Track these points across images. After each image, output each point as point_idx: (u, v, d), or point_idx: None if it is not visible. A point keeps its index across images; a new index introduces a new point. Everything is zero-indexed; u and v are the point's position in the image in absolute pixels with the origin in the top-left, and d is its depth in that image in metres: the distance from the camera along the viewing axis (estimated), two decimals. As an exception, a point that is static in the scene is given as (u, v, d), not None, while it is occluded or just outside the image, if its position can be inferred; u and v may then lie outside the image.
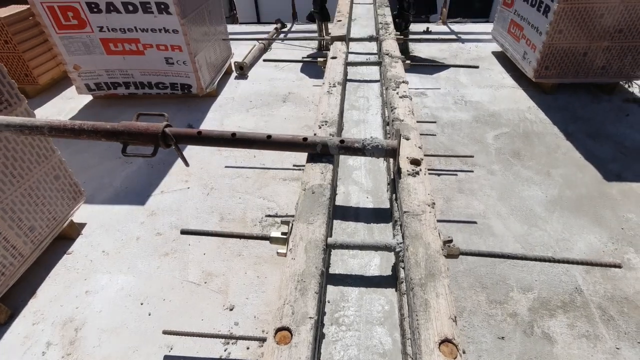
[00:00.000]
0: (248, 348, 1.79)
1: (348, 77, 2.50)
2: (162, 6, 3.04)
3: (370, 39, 2.82)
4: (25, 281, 2.10)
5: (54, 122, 1.50)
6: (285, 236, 1.17)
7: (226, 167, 2.93)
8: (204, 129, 1.51)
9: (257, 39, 4.79)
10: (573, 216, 2.47)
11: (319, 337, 1.02)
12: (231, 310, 1.95)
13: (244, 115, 3.60)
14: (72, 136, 1.50)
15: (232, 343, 1.80)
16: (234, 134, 1.43)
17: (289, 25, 5.95)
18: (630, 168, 2.87)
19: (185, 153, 3.13)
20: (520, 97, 3.85)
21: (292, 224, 1.17)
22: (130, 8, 3.05)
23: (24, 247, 2.01)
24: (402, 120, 1.67)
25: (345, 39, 2.61)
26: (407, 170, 1.37)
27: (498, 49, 4.72)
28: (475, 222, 2.42)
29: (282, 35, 5.53)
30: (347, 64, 2.42)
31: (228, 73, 4.36)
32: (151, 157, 1.48)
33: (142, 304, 2.00)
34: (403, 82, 1.99)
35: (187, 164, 1.56)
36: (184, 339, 1.81)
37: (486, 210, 2.50)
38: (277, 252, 1.15)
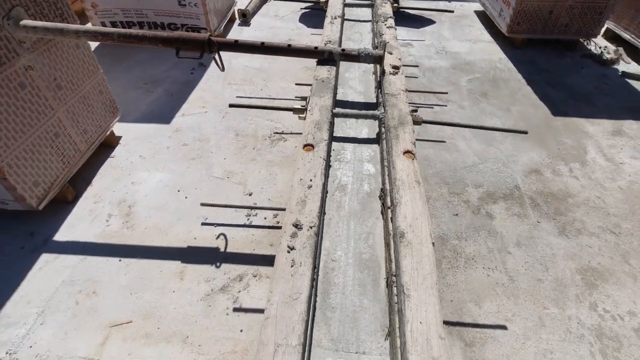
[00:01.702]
0: (265, 218, 2.35)
1: (345, 17, 2.95)
2: (178, -51, 3.37)
3: (364, -14, 3.26)
4: (81, 176, 2.59)
5: (122, 30, 1.94)
6: (303, 107, 1.69)
7: (237, 97, 3.40)
8: (240, 38, 1.96)
9: (258, -10, 5.09)
10: (522, 141, 3.07)
11: (328, 156, 1.56)
12: (250, 195, 2.50)
13: (250, 57, 4.01)
14: (136, 42, 1.95)
15: (253, 215, 2.36)
16: (262, 43, 1.91)
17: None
18: (575, 108, 3.47)
19: (200, 86, 3.57)
20: (494, 50, 4.37)
21: (309, 98, 1.69)
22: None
23: (81, 144, 2.49)
24: (388, 42, 2.17)
25: (343, -16, 3.04)
26: (389, 71, 1.89)
27: (480, 8, 5.17)
28: (444, 142, 2.99)
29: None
30: (345, 4, 2.86)
31: (232, 20, 4.70)
32: (199, 59, 1.96)
33: (178, 191, 2.53)
34: (390, 17, 2.46)
35: (222, 68, 2.04)
36: (215, 211, 2.36)
37: (454, 134, 3.07)
38: (299, 117, 1.68)
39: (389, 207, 1.36)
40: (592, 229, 2.37)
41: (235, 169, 2.68)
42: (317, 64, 1.91)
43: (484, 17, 5.03)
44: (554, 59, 4.28)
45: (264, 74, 3.77)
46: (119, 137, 2.92)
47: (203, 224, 2.31)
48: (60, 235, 2.24)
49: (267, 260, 2.13)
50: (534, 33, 4.24)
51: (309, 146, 1.42)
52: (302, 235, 1.11)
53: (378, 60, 1.89)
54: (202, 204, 2.27)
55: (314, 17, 4.91)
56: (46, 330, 1.82)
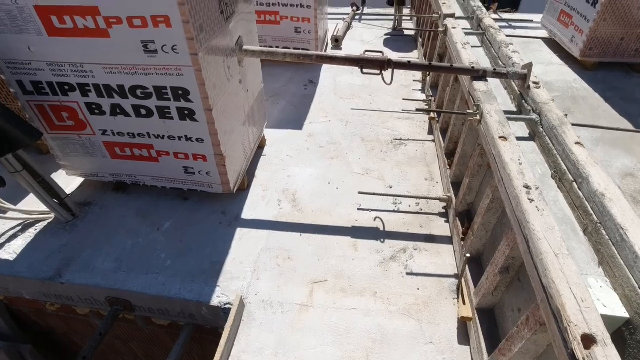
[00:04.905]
0: (409, 206, 2.82)
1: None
2: (304, -14, 4.04)
3: (467, 18, 3.79)
4: (248, 169, 3.14)
5: (318, 53, 2.52)
6: (477, 112, 2.19)
7: (352, 109, 3.95)
8: (412, 59, 2.49)
9: (342, 19, 5.76)
10: (612, 149, 3.47)
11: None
12: (391, 188, 2.98)
13: (350, 76, 4.61)
14: (328, 61, 2.52)
15: (399, 203, 2.84)
16: (430, 63, 2.44)
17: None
18: (654, 123, 3.86)
19: (316, 99, 4.16)
20: (567, 72, 4.82)
21: (481, 105, 2.18)
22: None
23: (252, 142, 3.05)
24: (519, 64, 2.66)
25: (453, 15, 3.59)
26: (534, 86, 2.38)
27: (545, 35, 5.66)
28: (543, 149, 3.41)
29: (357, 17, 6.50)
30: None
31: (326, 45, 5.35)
32: (378, 74, 2.49)
33: (329, 183, 3.04)
34: (510, 43, 2.98)
35: (390, 83, 2.57)
36: (366, 199, 2.85)
37: (550, 143, 3.50)
38: (474, 120, 2.17)
39: (572, 181, 1.80)
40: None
41: (371, 167, 3.18)
42: (472, 80, 2.41)
43: (551, 43, 5.51)
44: (623, 79, 4.69)
45: (367, 89, 4.33)
46: (265, 140, 3.49)
47: (359, 209, 2.80)
48: (246, 215, 2.77)
49: (422, 238, 2.58)
50: (605, 57, 4.68)
51: (503, 138, 1.90)
52: (533, 192, 1.57)
53: (523, 77, 2.38)
54: (360, 192, 2.77)
55: (395, 42, 5.52)
56: (263, 283, 2.31)
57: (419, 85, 4.33)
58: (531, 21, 5.98)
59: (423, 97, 4.07)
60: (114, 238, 2.58)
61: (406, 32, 5.92)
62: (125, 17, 1.89)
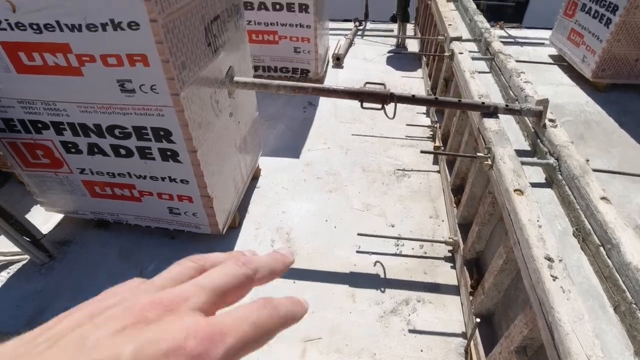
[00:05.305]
0: (413, 249, 2.61)
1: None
2: (303, 7, 3.87)
3: (475, 40, 3.60)
4: (240, 204, 2.94)
5: (315, 85, 2.33)
6: (488, 155, 1.98)
7: (352, 134, 3.76)
8: (416, 93, 2.30)
9: (344, 35, 5.60)
10: (631, 182, 3.24)
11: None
12: (392, 227, 2.77)
13: (351, 97, 4.41)
14: (325, 94, 2.33)
15: (401, 245, 2.62)
16: (436, 98, 2.24)
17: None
18: (674, 151, 3.62)
19: (316, 122, 3.96)
20: (578, 93, 4.60)
21: (493, 148, 1.98)
22: (277, 7, 3.90)
23: (245, 175, 2.86)
24: (533, 97, 2.45)
25: (460, 39, 3.40)
26: (550, 125, 2.17)
27: (554, 52, 5.46)
28: (557, 182, 3.19)
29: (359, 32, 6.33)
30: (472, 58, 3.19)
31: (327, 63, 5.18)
32: (380, 109, 2.30)
33: (326, 220, 2.83)
34: (522, 72, 2.78)
35: (393, 117, 2.37)
36: (366, 241, 2.63)
37: (564, 174, 3.28)
38: (485, 164, 1.96)
39: (599, 245, 1.59)
40: None
41: (372, 202, 2.97)
42: (482, 116, 2.21)
43: (561, 61, 5.30)
44: (637, 101, 4.47)
45: (368, 112, 4.11)
46: (260, 170, 3.29)
47: (358, 251, 2.59)
48: (236, 256, 2.56)
49: (426, 287, 2.36)
50: (618, 78, 4.47)
51: (518, 191, 1.69)
52: (557, 266, 1.36)
53: (538, 114, 2.17)
54: (359, 234, 2.56)
55: (399, 59, 5.33)
56: (251, 340, 2.10)
57: (424, 109, 4.13)
58: (541, 42, 5.78)
59: (428, 121, 3.86)
60: (93, 282, 2.39)
61: (410, 49, 5.74)
62: (99, 55, 1.71)
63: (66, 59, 1.74)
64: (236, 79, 2.34)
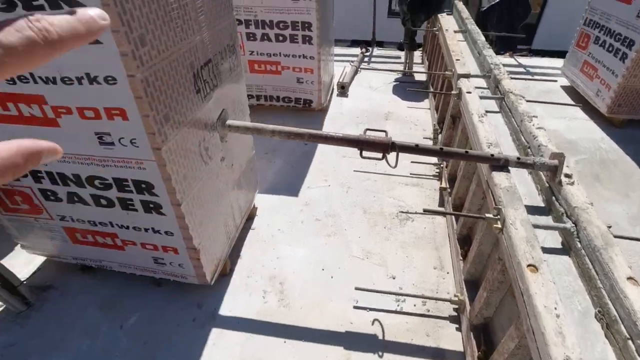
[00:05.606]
0: (415, 305, 2.41)
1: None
2: (307, 38, 3.78)
3: (484, 76, 3.46)
4: (233, 248, 2.79)
5: (311, 131, 2.19)
6: (498, 217, 1.80)
7: (354, 170, 3.60)
8: (420, 143, 2.15)
9: (350, 61, 5.51)
10: (653, 231, 3.01)
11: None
12: (393, 279, 2.58)
13: (355, 128, 4.29)
14: (322, 141, 2.18)
15: (402, 301, 2.43)
16: (441, 148, 2.08)
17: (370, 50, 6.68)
18: (698, 196, 3.39)
19: (317, 157, 3.82)
20: (592, 128, 4.41)
21: (503, 210, 1.80)
22: (281, 38, 3.82)
23: (237, 218, 2.70)
24: (547, 146, 2.28)
25: (469, 76, 3.26)
26: (565, 181, 1.98)
27: (567, 83, 5.29)
28: (572, 230, 2.98)
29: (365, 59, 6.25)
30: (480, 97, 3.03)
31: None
32: (380, 160, 2.14)
33: (323, 269, 2.65)
34: (534, 116, 2.61)
35: (394, 167, 2.21)
36: (365, 295, 2.44)
37: (579, 221, 3.06)
38: (494, 227, 1.78)
39: (627, 338, 1.39)
40: None
41: (373, 249, 2.79)
42: (492, 169, 2.05)
43: (574, 93, 5.12)
44: (656, 138, 4.25)
45: (372, 147, 3.98)
46: (256, 209, 3.14)
47: (355, 307, 2.40)
48: (225, 309, 2.39)
49: (429, 353, 2.15)
50: (635, 114, 4.27)
51: (532, 267, 1.51)
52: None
53: (553, 170, 2.00)
54: (357, 288, 2.37)
55: (405, 89, 5.21)
56: (233, 412, 1.90)
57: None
58: (553, 74, 5.63)
59: (434, 159, 3.69)
60: (70, 337, 2.23)
61: (417, 78, 5.62)
62: (75, 107, 1.59)
63: (42, 109, 1.63)
64: (229, 122, 2.22)
